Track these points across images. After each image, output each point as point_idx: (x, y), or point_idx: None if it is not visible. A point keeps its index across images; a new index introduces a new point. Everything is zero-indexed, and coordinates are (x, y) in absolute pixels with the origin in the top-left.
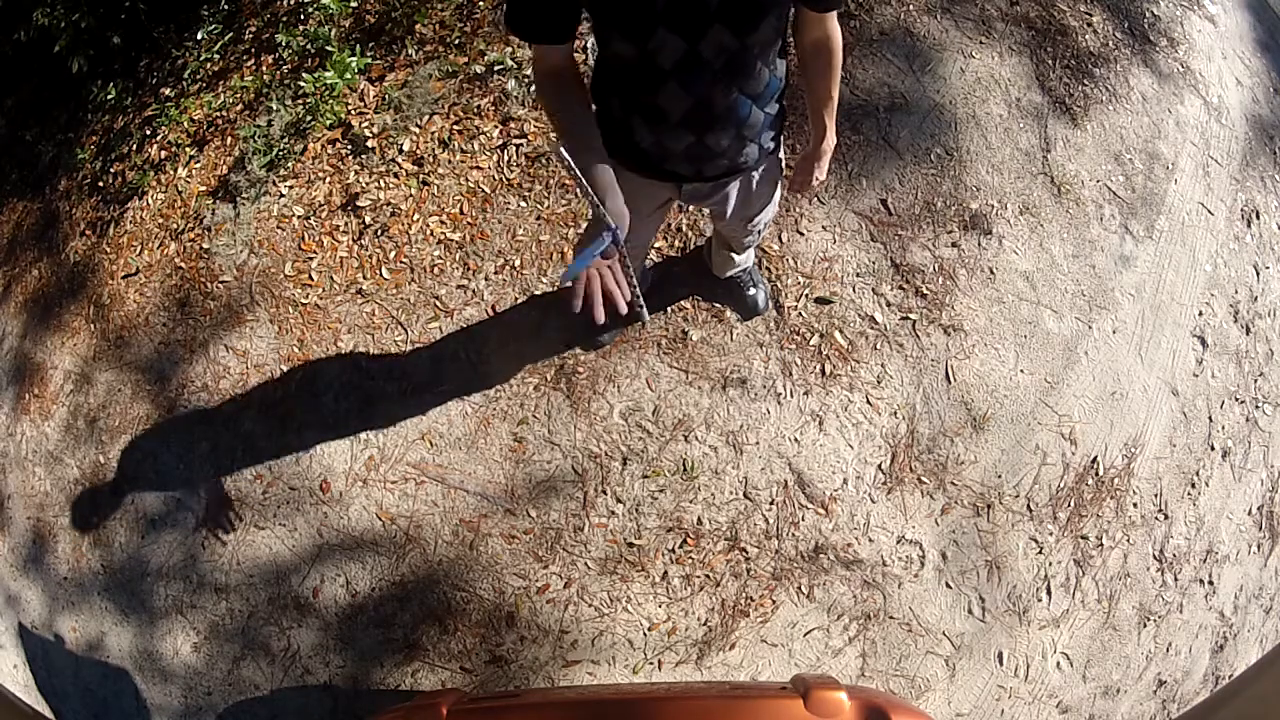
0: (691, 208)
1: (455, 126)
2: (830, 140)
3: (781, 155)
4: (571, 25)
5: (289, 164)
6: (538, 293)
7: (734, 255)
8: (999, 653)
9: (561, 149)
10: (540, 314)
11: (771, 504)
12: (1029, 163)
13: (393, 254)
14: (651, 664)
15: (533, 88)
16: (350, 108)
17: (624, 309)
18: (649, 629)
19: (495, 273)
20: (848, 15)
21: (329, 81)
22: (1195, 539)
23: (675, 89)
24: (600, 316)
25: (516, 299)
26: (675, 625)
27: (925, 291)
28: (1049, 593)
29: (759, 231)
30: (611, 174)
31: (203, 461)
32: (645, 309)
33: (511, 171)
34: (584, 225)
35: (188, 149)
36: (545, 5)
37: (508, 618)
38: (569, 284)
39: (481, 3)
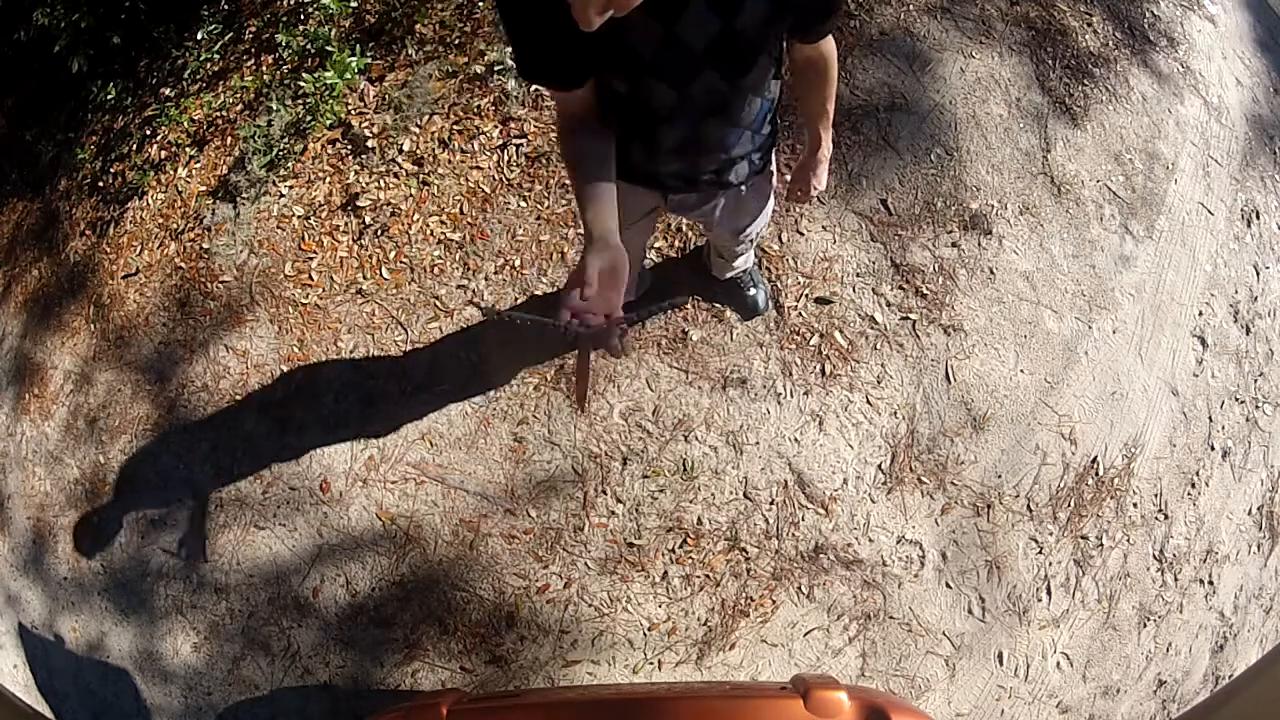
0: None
1: (455, 126)
2: (826, 150)
3: (773, 168)
4: (583, 68)
5: (289, 164)
6: (538, 293)
7: (730, 261)
8: (999, 653)
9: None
10: (540, 314)
11: (771, 504)
12: (1029, 163)
13: (393, 254)
14: (651, 664)
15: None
16: (350, 108)
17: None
18: (649, 629)
19: (495, 273)
20: (848, 15)
21: (329, 81)
22: (1195, 539)
23: (667, 128)
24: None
25: (517, 299)
26: (675, 625)
27: (925, 291)
28: (1049, 593)
29: (750, 241)
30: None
31: (203, 461)
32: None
33: (511, 171)
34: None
35: (188, 149)
36: (553, 51)
37: (508, 618)
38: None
39: (481, 3)
